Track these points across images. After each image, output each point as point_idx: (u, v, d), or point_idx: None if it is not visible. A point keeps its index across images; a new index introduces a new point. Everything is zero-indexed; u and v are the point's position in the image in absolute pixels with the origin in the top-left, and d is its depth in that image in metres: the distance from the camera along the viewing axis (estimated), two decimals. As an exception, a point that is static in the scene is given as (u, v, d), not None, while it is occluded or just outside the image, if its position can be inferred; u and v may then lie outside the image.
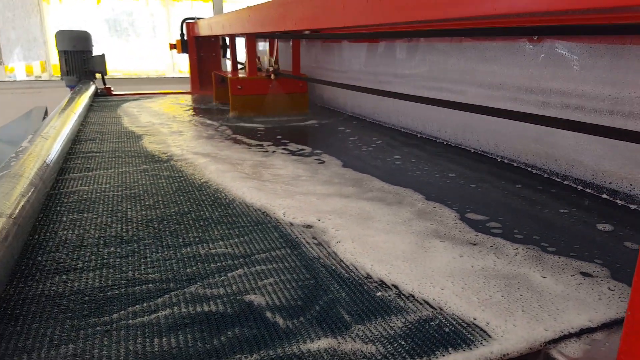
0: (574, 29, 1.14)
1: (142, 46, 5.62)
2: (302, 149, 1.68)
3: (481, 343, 0.59)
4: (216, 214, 1.05)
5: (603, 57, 1.14)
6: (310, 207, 1.06)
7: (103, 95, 3.28)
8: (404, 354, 0.57)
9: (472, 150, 1.63)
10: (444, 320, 0.64)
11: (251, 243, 0.90)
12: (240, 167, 1.41)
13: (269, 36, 2.88)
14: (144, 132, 1.97)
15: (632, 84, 1.07)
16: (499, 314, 0.64)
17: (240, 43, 2.93)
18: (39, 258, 0.83)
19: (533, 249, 0.85)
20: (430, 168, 1.44)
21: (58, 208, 1.08)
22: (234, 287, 0.73)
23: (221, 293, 0.71)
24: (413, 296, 0.70)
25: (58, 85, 3.98)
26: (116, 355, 0.57)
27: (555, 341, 0.59)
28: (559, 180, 1.29)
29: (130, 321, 0.64)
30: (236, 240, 0.91)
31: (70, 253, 0.85)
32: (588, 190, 1.20)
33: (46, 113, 2.88)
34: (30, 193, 0.94)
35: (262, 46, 3.50)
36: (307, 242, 0.90)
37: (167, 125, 2.15)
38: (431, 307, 0.67)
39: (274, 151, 1.66)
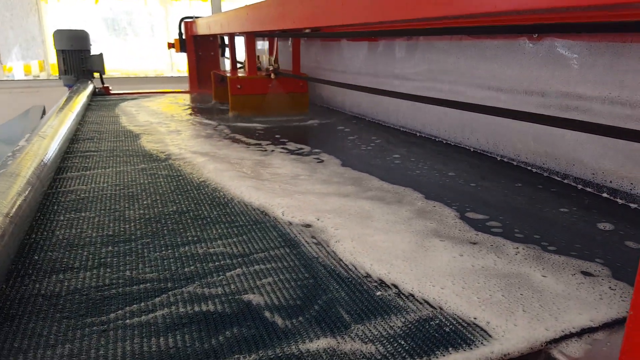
0: (574, 26, 1.14)
1: (140, 45, 5.61)
2: (301, 148, 1.68)
3: (482, 343, 0.58)
4: (214, 213, 1.04)
5: (603, 55, 1.13)
6: (309, 206, 1.06)
7: (101, 94, 3.26)
8: (404, 354, 0.56)
9: (472, 149, 1.62)
10: (444, 320, 0.63)
11: (250, 242, 0.89)
12: (239, 166, 1.41)
13: (269, 35, 2.88)
14: (142, 131, 1.97)
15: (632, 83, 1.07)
16: (500, 313, 0.64)
17: (239, 42, 2.92)
18: (36, 257, 0.83)
19: (533, 248, 0.85)
20: (430, 167, 1.43)
21: (55, 207, 1.08)
22: (232, 286, 0.73)
23: (219, 292, 0.71)
24: (413, 296, 0.70)
25: (56, 85, 3.98)
26: (113, 355, 0.57)
27: (556, 341, 0.59)
28: (559, 179, 1.28)
29: (127, 321, 0.64)
30: (234, 239, 0.91)
31: (67, 252, 0.85)
32: (588, 189, 1.19)
33: (44, 112, 2.88)
34: (27, 192, 0.93)
35: (261, 45, 3.49)
36: (306, 241, 0.90)
37: (165, 125, 2.14)
38: (431, 306, 0.67)
39: (272, 150, 1.65)
